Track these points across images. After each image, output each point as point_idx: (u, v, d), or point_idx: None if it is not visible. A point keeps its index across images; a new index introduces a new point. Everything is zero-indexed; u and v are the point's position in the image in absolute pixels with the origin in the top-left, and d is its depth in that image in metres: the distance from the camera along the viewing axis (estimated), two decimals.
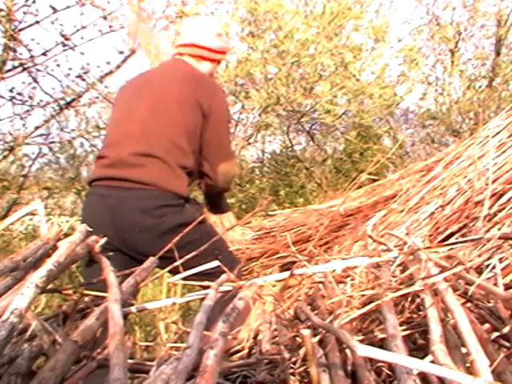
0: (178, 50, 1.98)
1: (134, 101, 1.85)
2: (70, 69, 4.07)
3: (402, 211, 2.20)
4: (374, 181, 3.02)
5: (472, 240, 1.38)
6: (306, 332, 0.79)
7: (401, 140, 5.24)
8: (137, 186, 1.72)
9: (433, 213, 2.02)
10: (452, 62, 5.80)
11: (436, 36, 5.91)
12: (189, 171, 1.81)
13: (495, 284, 1.11)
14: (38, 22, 3.79)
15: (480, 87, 5.87)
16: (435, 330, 0.82)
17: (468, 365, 0.77)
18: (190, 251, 1.39)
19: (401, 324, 0.92)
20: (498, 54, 5.88)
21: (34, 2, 3.72)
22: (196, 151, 1.84)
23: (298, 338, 0.98)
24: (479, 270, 1.23)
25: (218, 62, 2.05)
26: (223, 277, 1.16)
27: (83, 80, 4.17)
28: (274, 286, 1.22)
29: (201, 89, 1.84)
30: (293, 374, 0.87)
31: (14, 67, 3.97)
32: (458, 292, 0.98)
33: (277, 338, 1.00)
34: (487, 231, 1.59)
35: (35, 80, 4.08)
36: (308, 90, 5.03)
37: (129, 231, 1.71)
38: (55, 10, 3.78)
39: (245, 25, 4.99)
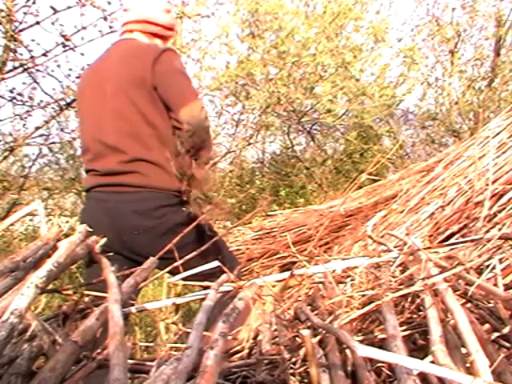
0: (127, 27, 1.88)
1: (98, 103, 1.78)
2: (70, 69, 4.07)
3: (402, 212, 2.20)
4: (375, 181, 3.03)
5: (472, 240, 1.38)
6: (306, 332, 0.79)
7: (401, 140, 5.24)
8: (132, 189, 1.72)
9: (433, 213, 2.02)
10: (452, 62, 5.80)
11: (436, 36, 5.91)
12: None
13: (495, 284, 1.11)
14: (38, 23, 3.79)
15: (479, 88, 5.87)
16: (435, 331, 0.82)
17: (468, 365, 0.77)
18: (189, 251, 1.39)
19: (401, 324, 0.92)
20: (497, 54, 5.88)
21: (34, 2, 3.72)
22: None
23: (298, 339, 0.98)
24: (479, 271, 1.23)
25: (168, 39, 1.94)
26: (223, 277, 1.16)
27: None
28: (274, 286, 1.22)
29: (142, 63, 1.74)
30: (293, 375, 0.87)
31: (15, 68, 3.97)
32: (458, 292, 0.98)
33: (277, 339, 1.00)
34: (487, 232, 1.59)
35: (35, 81, 4.08)
36: (308, 90, 5.04)
37: (128, 234, 1.71)
38: (55, 11, 3.78)
39: (245, 25, 4.99)
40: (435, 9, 6.02)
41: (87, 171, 1.85)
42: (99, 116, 1.78)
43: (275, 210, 3.71)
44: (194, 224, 1.53)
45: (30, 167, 4.84)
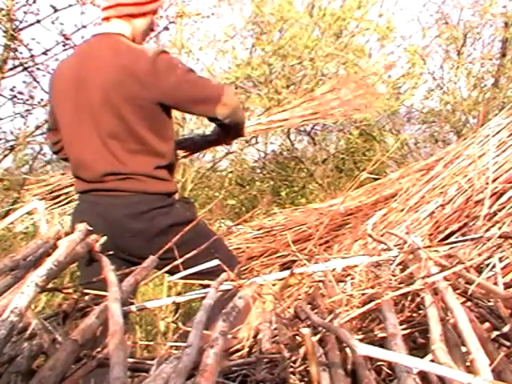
0: (104, 15, 1.74)
1: (84, 111, 1.68)
2: None
3: (402, 210, 2.20)
4: (375, 180, 3.02)
5: (472, 239, 1.38)
6: (306, 331, 0.78)
7: (402, 138, 5.24)
8: (122, 193, 1.71)
9: (433, 212, 2.02)
10: (458, 61, 5.80)
11: (443, 35, 5.91)
12: (170, 160, 1.76)
13: (495, 283, 1.11)
14: (38, 22, 3.80)
15: (485, 86, 5.87)
16: (435, 329, 0.81)
17: (468, 364, 0.77)
18: (185, 252, 1.39)
19: (401, 323, 0.92)
20: (503, 54, 5.88)
21: (34, 1, 3.73)
22: (170, 135, 1.76)
23: (298, 337, 0.98)
24: (479, 269, 1.23)
25: (154, 12, 1.78)
26: (223, 275, 1.16)
27: None
28: (274, 284, 1.22)
29: (136, 79, 1.63)
30: (293, 373, 0.87)
31: (15, 66, 3.98)
32: (458, 291, 0.98)
33: (277, 337, 1.00)
34: (487, 230, 1.59)
35: (36, 79, 4.09)
36: (309, 92, 5.03)
37: (120, 237, 1.71)
38: (56, 10, 3.79)
39: (249, 26, 4.99)
40: (444, 6, 6.03)
41: (73, 175, 1.81)
42: (83, 125, 1.69)
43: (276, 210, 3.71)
44: (193, 224, 1.53)
45: (31, 166, 4.85)
